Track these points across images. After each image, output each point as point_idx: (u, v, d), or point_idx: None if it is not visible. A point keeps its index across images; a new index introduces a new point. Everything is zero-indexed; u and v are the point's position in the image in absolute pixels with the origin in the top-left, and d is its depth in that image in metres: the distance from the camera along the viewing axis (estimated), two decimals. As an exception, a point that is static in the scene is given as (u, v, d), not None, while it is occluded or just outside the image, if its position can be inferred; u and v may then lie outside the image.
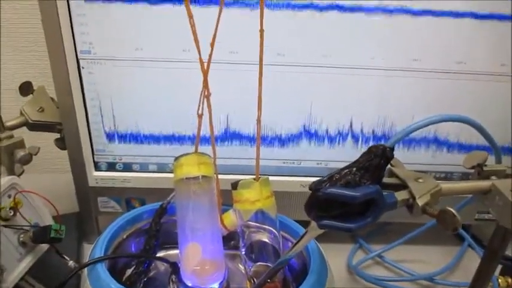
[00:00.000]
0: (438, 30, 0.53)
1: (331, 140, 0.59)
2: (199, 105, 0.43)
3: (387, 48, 0.54)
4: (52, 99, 0.61)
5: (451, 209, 0.33)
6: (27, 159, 0.57)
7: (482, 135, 0.39)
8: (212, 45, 0.38)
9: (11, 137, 0.57)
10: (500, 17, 0.52)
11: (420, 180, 0.37)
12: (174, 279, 0.46)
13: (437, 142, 0.60)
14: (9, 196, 0.48)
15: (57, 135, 0.62)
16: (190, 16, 0.35)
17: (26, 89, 0.60)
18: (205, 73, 0.40)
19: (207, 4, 0.50)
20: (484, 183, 0.38)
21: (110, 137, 0.58)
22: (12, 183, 0.48)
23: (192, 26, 0.36)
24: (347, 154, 0.60)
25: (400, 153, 0.60)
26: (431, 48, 0.54)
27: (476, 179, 0.41)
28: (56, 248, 0.48)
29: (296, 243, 0.40)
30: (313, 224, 0.37)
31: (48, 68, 0.53)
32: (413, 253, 0.66)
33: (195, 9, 0.50)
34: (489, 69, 0.56)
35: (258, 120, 0.45)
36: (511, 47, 0.54)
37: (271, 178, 0.49)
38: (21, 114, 0.59)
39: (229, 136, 0.58)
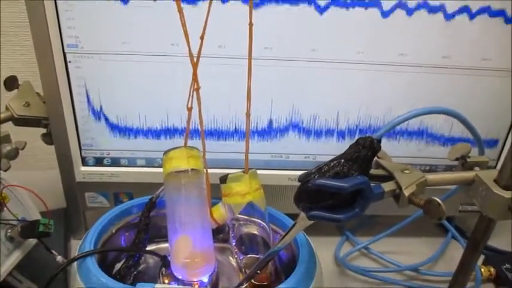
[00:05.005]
0: (424, 25, 0.54)
1: (319, 133, 0.60)
2: (188, 99, 0.43)
3: (374, 43, 0.55)
4: (38, 94, 0.60)
5: (437, 199, 0.34)
6: (13, 154, 0.56)
7: (466, 126, 0.41)
8: (202, 38, 0.38)
9: (-4, 131, 0.56)
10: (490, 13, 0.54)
11: (406, 172, 0.39)
12: (164, 272, 0.46)
13: (422, 135, 0.61)
14: (-5, 191, 0.47)
15: (44, 131, 0.61)
16: (180, 11, 0.35)
17: (10, 83, 0.59)
18: (194, 66, 0.40)
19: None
20: (467, 174, 0.40)
21: (98, 131, 0.58)
22: (-2, 178, 0.48)
23: (182, 19, 0.36)
24: (334, 147, 0.61)
25: (386, 147, 0.60)
26: (418, 43, 0.55)
27: (460, 170, 0.42)
28: (44, 243, 0.48)
29: (285, 235, 0.41)
30: (302, 215, 0.37)
31: (34, 63, 0.53)
32: (398, 245, 0.68)
33: (184, 4, 0.50)
34: (472, 63, 0.57)
35: (247, 114, 0.45)
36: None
37: (259, 172, 0.50)
38: (7, 109, 0.58)
39: (218, 130, 0.59)
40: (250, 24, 0.41)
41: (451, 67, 0.57)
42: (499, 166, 0.63)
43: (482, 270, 0.61)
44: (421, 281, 0.63)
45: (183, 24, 0.37)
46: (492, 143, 0.62)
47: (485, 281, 0.62)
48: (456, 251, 0.68)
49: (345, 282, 0.62)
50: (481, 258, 0.63)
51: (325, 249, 0.66)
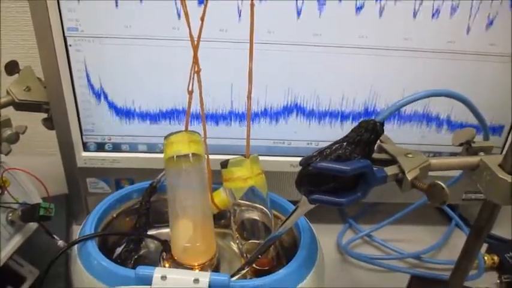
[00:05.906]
0: (429, 9, 0.53)
1: (321, 119, 0.59)
2: (189, 82, 0.43)
3: (378, 27, 0.54)
4: (39, 79, 0.60)
5: (440, 182, 0.34)
6: (14, 138, 0.56)
7: (470, 110, 0.40)
8: (202, 19, 0.38)
9: (-3, 116, 0.56)
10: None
11: (409, 156, 0.38)
12: (165, 256, 0.46)
13: (427, 122, 0.60)
14: (-4, 174, 0.47)
15: (45, 115, 0.61)
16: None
17: (11, 68, 0.59)
18: (195, 49, 0.40)
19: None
20: (472, 159, 0.39)
21: (99, 116, 0.57)
22: (-1, 161, 0.47)
23: (183, 1, 0.35)
24: (338, 134, 0.59)
25: (390, 133, 0.60)
26: (422, 27, 0.54)
27: (464, 155, 0.41)
28: (45, 227, 0.48)
29: (287, 219, 0.40)
30: (304, 199, 0.37)
31: (34, 48, 0.52)
32: (401, 232, 0.67)
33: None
34: (478, 49, 0.56)
35: (249, 96, 0.45)
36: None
37: (261, 158, 0.49)
38: (8, 93, 0.58)
39: (219, 114, 0.58)
40: (252, 4, 0.40)
41: (456, 52, 0.56)
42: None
43: (486, 258, 0.61)
44: (424, 269, 0.62)
45: (184, 6, 0.36)
46: (498, 130, 0.61)
47: (489, 269, 0.61)
48: (459, 239, 0.68)
49: (347, 270, 0.62)
50: (484, 246, 0.63)
51: (327, 237, 0.66)
